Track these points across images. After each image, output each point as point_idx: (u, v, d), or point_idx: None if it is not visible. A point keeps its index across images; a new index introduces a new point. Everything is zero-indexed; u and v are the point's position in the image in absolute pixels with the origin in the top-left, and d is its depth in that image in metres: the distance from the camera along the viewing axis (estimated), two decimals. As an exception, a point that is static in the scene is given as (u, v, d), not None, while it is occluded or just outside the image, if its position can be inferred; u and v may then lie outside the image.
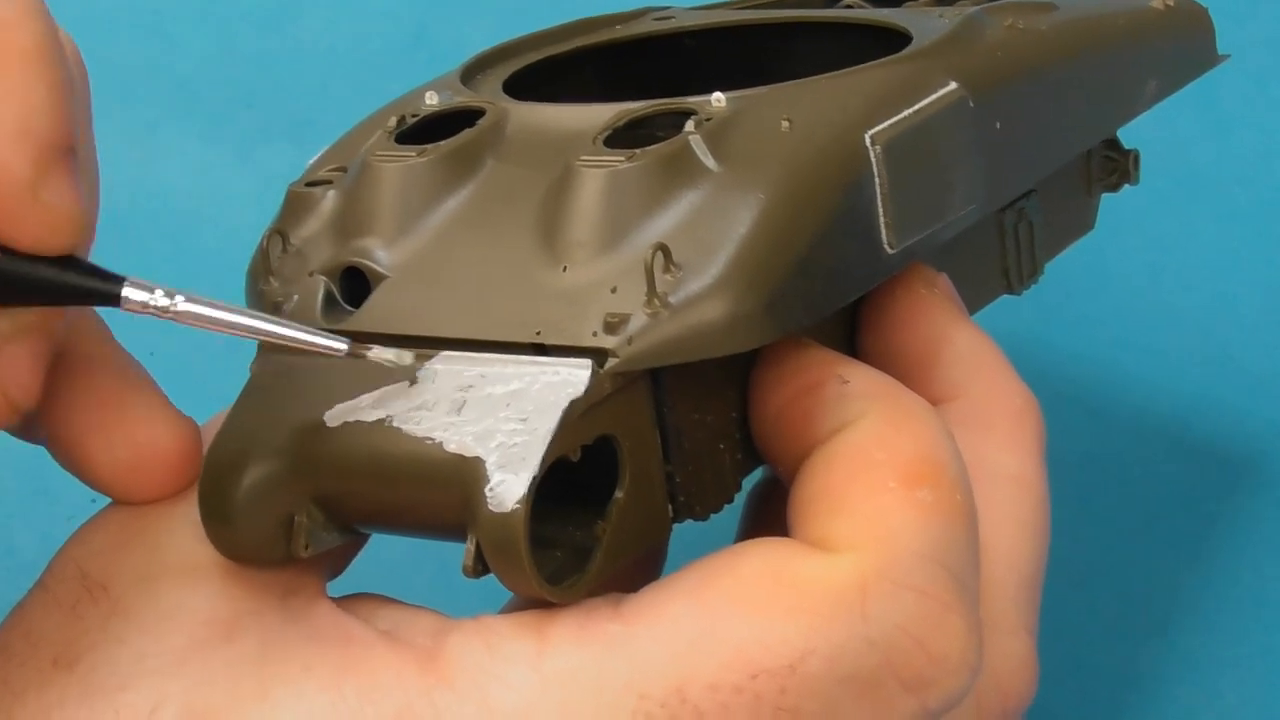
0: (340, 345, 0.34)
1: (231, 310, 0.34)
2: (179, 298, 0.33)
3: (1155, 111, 0.48)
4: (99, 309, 0.36)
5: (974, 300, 0.43)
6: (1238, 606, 0.55)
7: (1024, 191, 0.45)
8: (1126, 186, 0.50)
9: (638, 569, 0.38)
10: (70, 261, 0.33)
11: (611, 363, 0.33)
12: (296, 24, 0.71)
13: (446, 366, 0.35)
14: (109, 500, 0.37)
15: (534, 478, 0.32)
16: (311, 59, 0.70)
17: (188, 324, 0.33)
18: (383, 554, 0.39)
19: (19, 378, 0.34)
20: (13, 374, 0.33)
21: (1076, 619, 0.52)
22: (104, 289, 0.33)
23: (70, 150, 0.33)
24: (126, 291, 0.33)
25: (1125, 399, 0.60)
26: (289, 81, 0.69)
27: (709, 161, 0.35)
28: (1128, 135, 0.49)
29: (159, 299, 0.33)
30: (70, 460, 0.37)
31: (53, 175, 0.32)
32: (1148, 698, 0.53)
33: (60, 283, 0.33)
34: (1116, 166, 0.49)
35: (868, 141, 0.36)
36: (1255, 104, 0.66)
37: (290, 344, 0.34)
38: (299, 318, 0.37)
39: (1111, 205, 0.51)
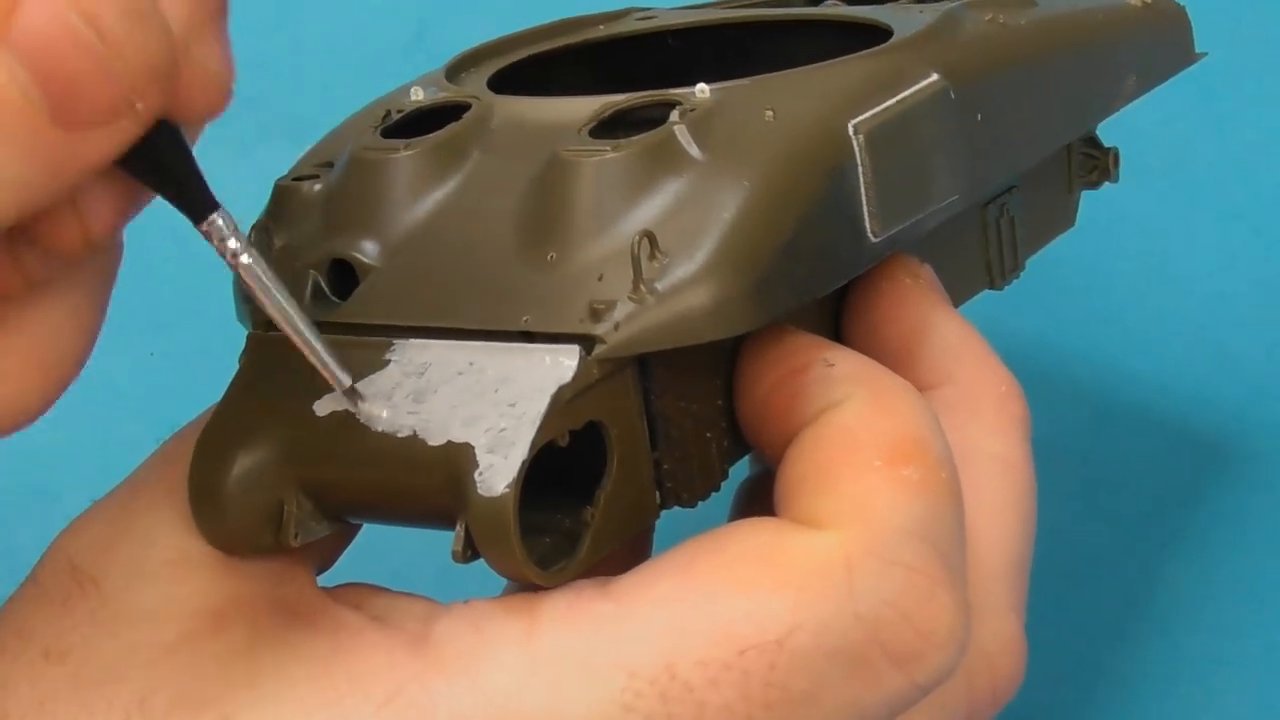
0: (345, 380, 0.34)
1: (279, 289, 0.33)
2: (244, 256, 0.33)
3: (1154, 109, 0.48)
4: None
5: (956, 294, 0.43)
6: (1238, 606, 0.55)
7: (1006, 185, 0.45)
8: (1128, 185, 0.50)
9: (624, 554, 0.38)
10: (192, 165, 0.32)
11: (599, 349, 0.34)
12: (296, 24, 0.71)
13: (435, 355, 0.35)
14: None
15: (524, 461, 0.32)
16: (311, 59, 0.70)
17: (239, 274, 0.33)
18: (374, 544, 0.39)
19: (102, 213, 0.32)
20: (98, 209, 0.32)
21: (1077, 617, 0.52)
22: (202, 200, 0.32)
23: (223, 9, 0.31)
24: (214, 217, 0.33)
25: (1125, 397, 0.60)
26: (289, 81, 0.69)
27: (694, 150, 0.35)
28: (1128, 134, 0.49)
29: (231, 243, 0.33)
30: None
31: (205, 33, 0.31)
32: (1148, 697, 0.53)
33: (176, 171, 0.32)
34: (1096, 164, 0.50)
35: (851, 130, 0.36)
36: (1254, 102, 0.66)
37: (303, 350, 0.34)
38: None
39: (1111, 204, 0.51)
